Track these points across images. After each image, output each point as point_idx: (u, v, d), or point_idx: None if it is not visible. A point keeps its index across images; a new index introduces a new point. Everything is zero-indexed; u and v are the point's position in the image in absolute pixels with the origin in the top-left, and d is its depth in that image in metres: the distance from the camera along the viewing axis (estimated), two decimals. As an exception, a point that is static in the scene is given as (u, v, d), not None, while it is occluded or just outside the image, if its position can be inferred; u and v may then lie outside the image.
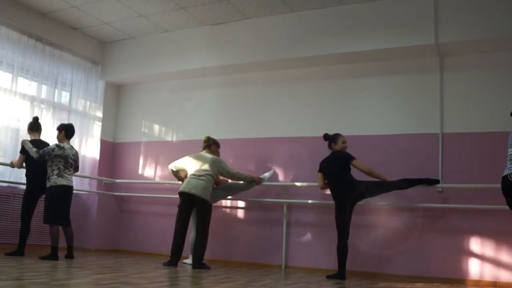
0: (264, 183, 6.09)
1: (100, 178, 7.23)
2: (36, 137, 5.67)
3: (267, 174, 6.18)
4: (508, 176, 4.08)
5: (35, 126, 5.72)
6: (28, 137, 5.68)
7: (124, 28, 7.02)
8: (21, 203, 5.53)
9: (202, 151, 5.92)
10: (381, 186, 5.22)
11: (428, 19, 5.45)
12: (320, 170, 5.44)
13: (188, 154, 6.04)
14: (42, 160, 5.37)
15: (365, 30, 5.78)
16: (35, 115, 6.39)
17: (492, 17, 5.19)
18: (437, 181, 5.26)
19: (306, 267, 5.88)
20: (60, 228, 5.46)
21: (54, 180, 5.37)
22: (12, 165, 5.57)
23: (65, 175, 5.44)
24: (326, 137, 5.50)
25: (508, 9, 5.14)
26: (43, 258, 5.21)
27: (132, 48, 7.32)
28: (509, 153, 4.17)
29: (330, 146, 5.49)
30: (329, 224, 5.86)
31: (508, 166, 4.14)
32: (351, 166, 5.26)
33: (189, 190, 5.48)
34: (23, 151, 5.45)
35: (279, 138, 6.44)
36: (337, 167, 5.27)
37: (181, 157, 6.02)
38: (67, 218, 5.52)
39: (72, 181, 5.61)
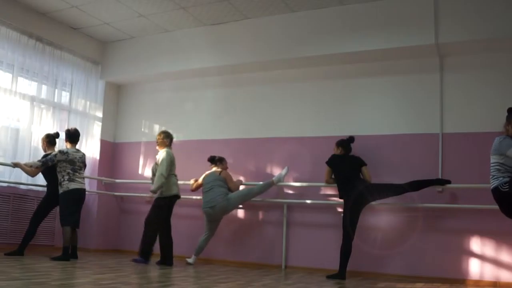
0: (280, 183, 6.03)
1: (100, 178, 7.23)
2: (52, 151, 5.72)
3: (283, 172, 6.04)
4: (500, 187, 4.10)
5: (54, 140, 5.82)
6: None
7: (124, 28, 7.01)
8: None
9: None
10: (389, 190, 5.24)
11: (428, 19, 5.44)
12: (330, 165, 5.46)
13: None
14: (47, 167, 5.47)
15: (365, 30, 5.78)
16: (35, 115, 6.43)
17: (492, 18, 5.19)
18: (448, 181, 5.24)
19: (306, 267, 5.88)
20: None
21: (66, 185, 5.44)
22: (14, 165, 5.56)
23: (76, 179, 5.50)
24: (353, 139, 5.59)
25: (508, 10, 5.14)
26: (55, 258, 5.23)
27: (132, 48, 7.32)
28: (494, 162, 4.17)
29: (350, 149, 5.54)
30: (329, 224, 5.88)
31: (496, 176, 4.15)
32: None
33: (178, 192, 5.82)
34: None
35: (279, 138, 6.43)
36: (351, 168, 5.36)
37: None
38: (79, 220, 5.59)
39: (84, 183, 5.69)
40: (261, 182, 6.11)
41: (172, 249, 5.74)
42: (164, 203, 5.63)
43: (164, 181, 5.55)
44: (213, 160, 6.21)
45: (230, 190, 6.00)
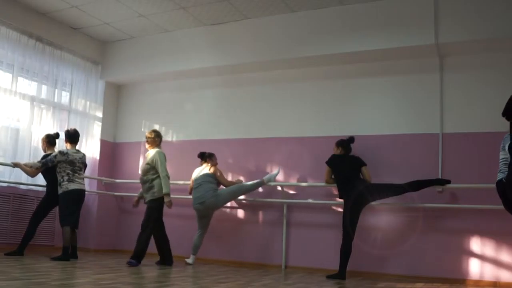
0: (271, 183, 6.08)
1: (100, 178, 7.23)
2: (52, 151, 5.75)
3: (274, 173, 6.11)
4: (503, 179, 4.11)
5: (53, 141, 5.84)
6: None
7: (124, 28, 7.02)
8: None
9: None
10: (389, 190, 5.24)
11: (428, 19, 5.44)
12: (330, 165, 5.47)
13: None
14: (47, 167, 5.48)
15: (365, 30, 5.78)
16: (35, 115, 6.44)
17: (492, 18, 5.19)
18: (448, 181, 5.23)
19: (306, 267, 5.88)
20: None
21: (66, 185, 5.45)
22: (14, 165, 5.56)
23: (75, 179, 5.52)
24: (353, 139, 5.61)
25: (508, 10, 5.13)
26: (55, 258, 5.24)
27: (132, 48, 7.32)
28: (502, 157, 4.19)
29: (350, 149, 5.56)
30: (329, 224, 5.88)
31: (503, 170, 4.16)
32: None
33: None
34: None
35: (279, 138, 6.43)
36: (351, 168, 5.38)
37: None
38: (78, 220, 5.61)
39: (84, 184, 5.71)
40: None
41: (169, 248, 5.73)
42: (157, 205, 5.54)
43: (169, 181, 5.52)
44: (203, 156, 6.23)
45: (223, 185, 6.05)
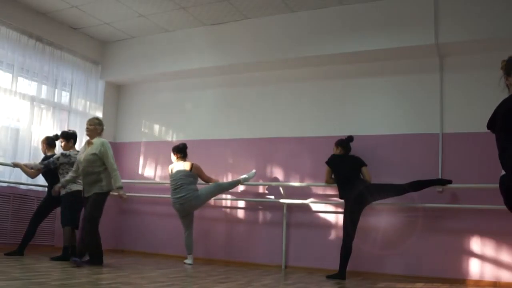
0: (246, 183, 6.15)
1: (100, 178, 7.22)
2: (52, 153, 5.78)
3: (250, 174, 6.15)
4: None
5: (53, 142, 5.84)
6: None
7: (124, 28, 7.02)
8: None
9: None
10: (389, 190, 5.23)
11: (428, 19, 5.44)
12: (330, 165, 5.49)
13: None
14: (49, 169, 5.51)
15: (365, 30, 5.78)
16: (35, 115, 6.43)
17: (492, 17, 5.18)
18: (449, 181, 5.22)
19: (306, 267, 5.88)
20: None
21: (69, 186, 5.45)
22: (14, 165, 5.57)
23: (78, 180, 5.50)
24: (352, 139, 5.63)
25: (508, 10, 5.13)
26: (55, 258, 5.25)
27: (132, 48, 7.32)
28: None
29: (350, 148, 5.58)
30: (329, 224, 5.88)
31: None
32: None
33: None
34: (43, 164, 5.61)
35: (279, 138, 6.43)
36: (351, 168, 5.38)
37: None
38: (78, 221, 5.60)
39: None
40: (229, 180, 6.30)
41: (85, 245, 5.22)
42: (105, 198, 5.22)
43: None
44: (183, 150, 6.15)
45: (203, 181, 6.13)
